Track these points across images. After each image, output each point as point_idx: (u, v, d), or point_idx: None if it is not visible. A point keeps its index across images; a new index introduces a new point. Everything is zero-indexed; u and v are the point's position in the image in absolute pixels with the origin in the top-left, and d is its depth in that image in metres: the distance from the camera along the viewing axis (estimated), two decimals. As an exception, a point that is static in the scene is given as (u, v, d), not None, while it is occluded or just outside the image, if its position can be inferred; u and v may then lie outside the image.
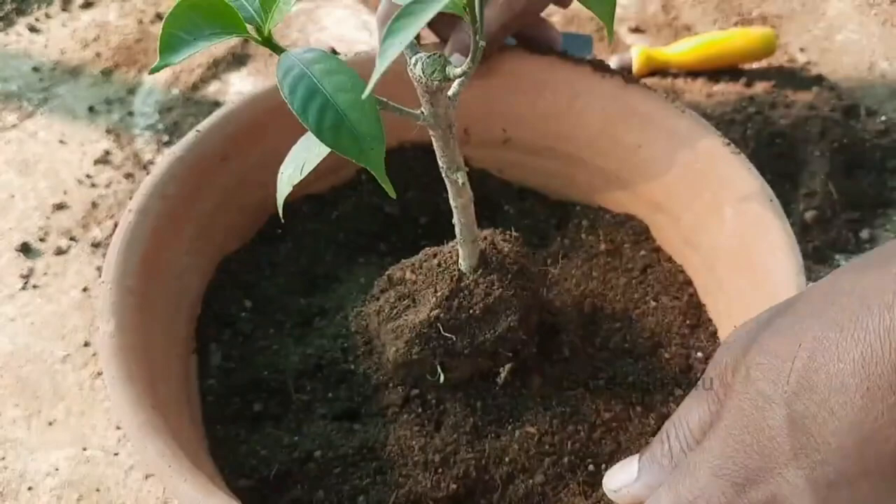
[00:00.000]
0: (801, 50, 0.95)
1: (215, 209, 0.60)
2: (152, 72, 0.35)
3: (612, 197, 0.66)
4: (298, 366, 0.55)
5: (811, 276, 0.73)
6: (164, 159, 0.57)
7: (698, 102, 0.89)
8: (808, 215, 0.76)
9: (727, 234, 0.58)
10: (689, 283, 0.61)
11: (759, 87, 0.90)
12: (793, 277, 0.52)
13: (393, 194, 0.37)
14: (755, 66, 0.93)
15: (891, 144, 0.83)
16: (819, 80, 0.91)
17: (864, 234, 0.75)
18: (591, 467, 0.50)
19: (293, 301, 0.59)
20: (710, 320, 0.59)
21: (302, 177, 0.39)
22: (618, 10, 1.02)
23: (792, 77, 0.91)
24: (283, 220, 0.47)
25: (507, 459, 0.50)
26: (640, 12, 1.02)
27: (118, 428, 0.66)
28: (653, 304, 0.60)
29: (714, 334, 0.59)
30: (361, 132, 0.35)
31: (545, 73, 0.65)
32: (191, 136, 0.59)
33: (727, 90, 0.90)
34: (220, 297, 0.59)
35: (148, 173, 0.64)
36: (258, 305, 0.59)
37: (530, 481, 0.50)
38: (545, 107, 0.65)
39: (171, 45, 0.35)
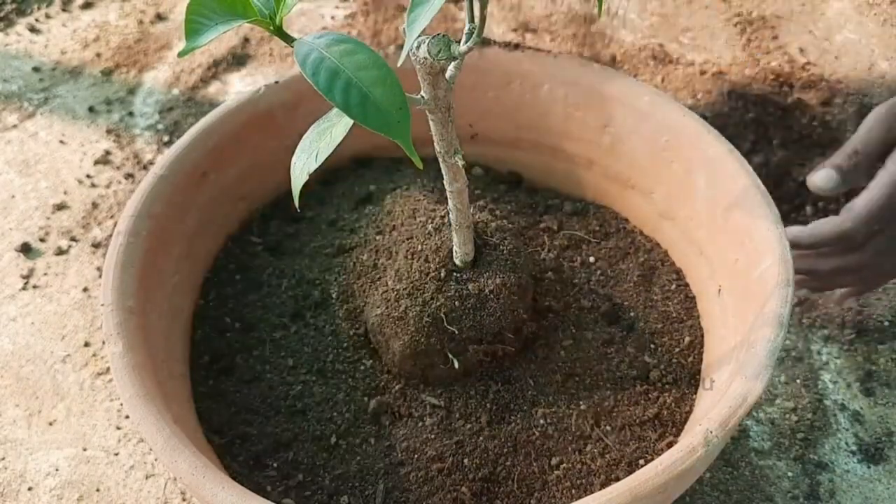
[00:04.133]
0: (801, 50, 0.95)
1: (199, 226, 0.61)
2: (181, 55, 0.37)
3: (585, 181, 0.67)
4: (302, 378, 0.55)
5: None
6: (147, 179, 0.58)
7: (701, 104, 0.89)
8: (809, 212, 0.76)
9: (701, 201, 0.59)
10: (670, 261, 0.63)
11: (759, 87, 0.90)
12: (772, 229, 0.52)
13: (420, 165, 0.39)
14: (754, 66, 0.93)
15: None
16: (819, 80, 0.91)
17: (864, 234, 0.76)
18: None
19: (282, 319, 0.59)
20: (688, 285, 0.61)
21: (318, 164, 0.40)
22: (617, 11, 1.02)
23: (791, 77, 0.91)
24: (299, 210, 0.48)
25: (523, 441, 0.51)
26: (640, 12, 1.02)
27: (118, 428, 0.66)
28: (636, 278, 0.61)
29: (693, 299, 0.60)
30: (387, 107, 0.36)
31: (510, 65, 0.66)
32: (170, 153, 0.60)
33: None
34: (210, 320, 0.60)
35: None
36: (247, 328, 0.59)
37: (549, 461, 0.50)
38: (511, 98, 0.66)
39: (194, 29, 0.37)
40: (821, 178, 0.62)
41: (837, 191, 0.63)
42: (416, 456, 0.51)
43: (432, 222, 0.54)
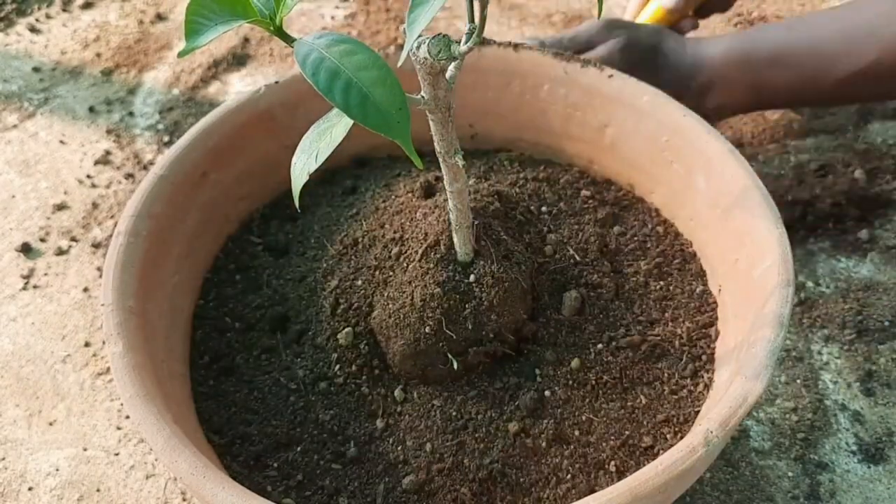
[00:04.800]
0: (801, 50, 0.95)
1: (199, 226, 0.61)
2: (181, 55, 0.37)
3: (585, 182, 0.66)
4: (302, 378, 0.55)
5: (812, 276, 0.73)
6: (147, 179, 0.58)
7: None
8: (810, 216, 0.76)
9: (701, 201, 0.59)
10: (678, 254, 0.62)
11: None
12: (772, 230, 0.52)
13: (420, 165, 0.39)
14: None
15: (891, 143, 0.83)
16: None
17: (864, 234, 0.76)
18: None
19: (283, 319, 0.59)
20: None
21: (318, 164, 0.40)
22: (619, 11, 1.02)
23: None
24: (299, 210, 0.48)
25: (523, 442, 0.51)
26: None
27: (119, 428, 0.66)
28: (643, 267, 0.60)
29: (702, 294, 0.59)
30: (387, 107, 0.36)
31: (510, 65, 0.66)
32: (170, 153, 0.60)
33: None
34: (210, 320, 0.60)
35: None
36: (247, 328, 0.59)
37: (550, 461, 0.50)
38: (511, 98, 0.67)
39: (194, 29, 0.37)
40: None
41: None
42: (416, 456, 0.51)
43: (431, 221, 0.54)
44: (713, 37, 0.76)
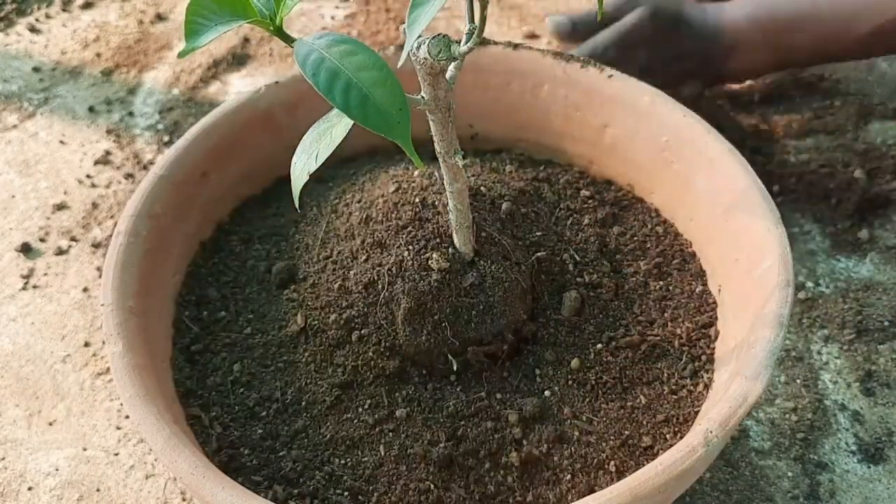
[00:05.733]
0: (801, 50, 0.95)
1: (199, 226, 0.61)
2: (181, 55, 0.37)
3: (585, 182, 0.67)
4: (303, 378, 0.55)
5: (812, 276, 0.73)
6: (147, 179, 0.58)
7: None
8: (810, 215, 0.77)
9: (701, 201, 0.59)
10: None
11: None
12: (772, 230, 0.52)
13: (421, 165, 0.39)
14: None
15: (891, 143, 0.83)
16: (819, 80, 0.91)
17: (864, 234, 0.76)
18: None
19: (282, 321, 0.59)
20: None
21: (318, 165, 0.40)
22: (618, 11, 1.02)
23: (791, 77, 0.91)
24: (299, 210, 0.48)
25: (522, 441, 0.51)
26: (639, 12, 1.02)
27: (118, 428, 0.66)
28: (643, 266, 0.60)
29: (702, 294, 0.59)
30: (387, 108, 0.36)
31: (510, 64, 0.66)
32: (170, 153, 0.60)
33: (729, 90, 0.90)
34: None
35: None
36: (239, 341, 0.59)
37: (551, 460, 0.50)
38: (511, 98, 0.67)
39: (194, 30, 0.37)
40: (553, 21, 0.84)
41: (568, 38, 0.84)
42: (414, 455, 0.51)
43: (430, 221, 0.54)
44: (733, 1, 0.78)
